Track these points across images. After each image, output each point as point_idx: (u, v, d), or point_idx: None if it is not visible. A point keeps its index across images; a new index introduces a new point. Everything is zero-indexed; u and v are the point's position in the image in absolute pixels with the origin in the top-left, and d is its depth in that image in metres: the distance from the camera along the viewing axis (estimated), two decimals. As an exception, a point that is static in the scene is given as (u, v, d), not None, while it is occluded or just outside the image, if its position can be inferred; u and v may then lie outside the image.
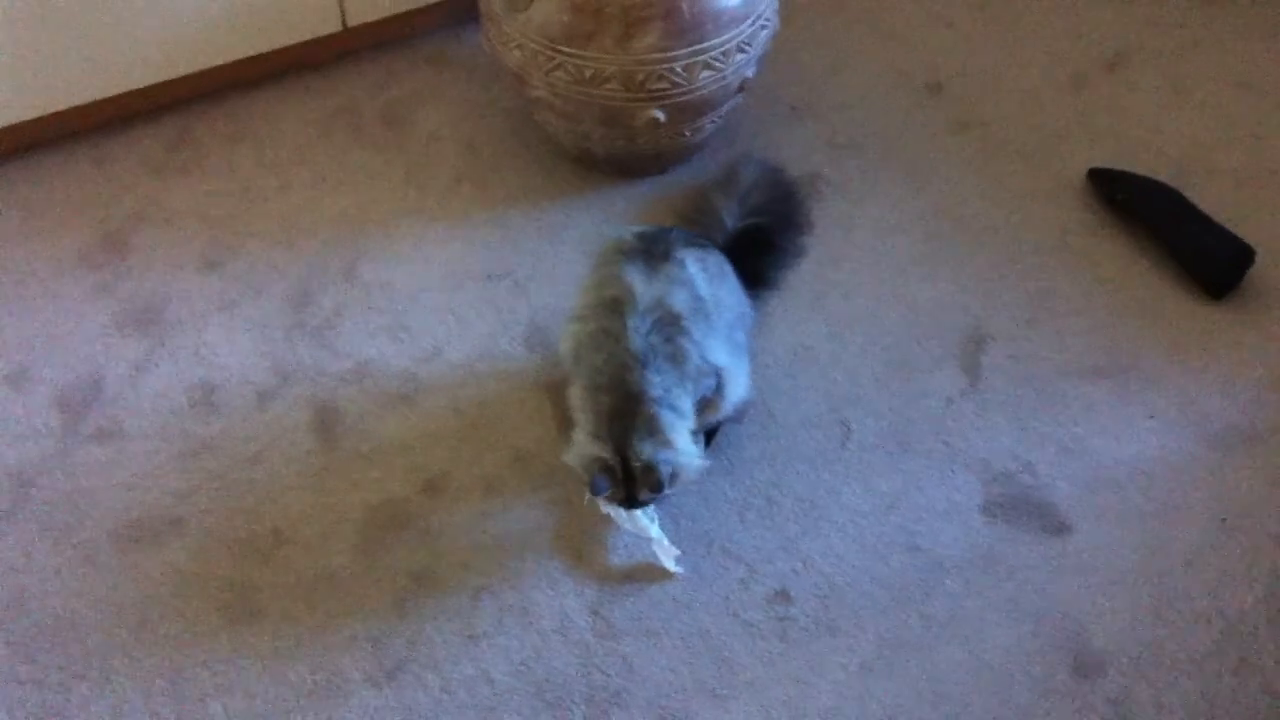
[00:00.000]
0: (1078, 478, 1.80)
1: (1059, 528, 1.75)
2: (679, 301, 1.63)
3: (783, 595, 1.69)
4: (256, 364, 1.93)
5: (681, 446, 1.61)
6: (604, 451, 1.59)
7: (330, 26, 2.24)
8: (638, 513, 1.70)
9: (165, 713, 1.58)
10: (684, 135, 2.03)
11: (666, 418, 1.59)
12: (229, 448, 1.84)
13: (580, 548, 1.74)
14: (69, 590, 1.69)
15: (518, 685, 1.61)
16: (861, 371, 1.92)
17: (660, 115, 1.95)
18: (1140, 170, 2.11)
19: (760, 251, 1.88)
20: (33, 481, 1.79)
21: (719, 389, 1.69)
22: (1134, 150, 2.18)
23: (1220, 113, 2.26)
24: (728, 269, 1.77)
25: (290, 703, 1.59)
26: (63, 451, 1.83)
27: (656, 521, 1.72)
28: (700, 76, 1.92)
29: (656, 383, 1.59)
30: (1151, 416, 1.86)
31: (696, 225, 1.86)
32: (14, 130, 2.13)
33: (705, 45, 1.90)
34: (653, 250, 1.68)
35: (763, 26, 1.98)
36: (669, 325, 1.62)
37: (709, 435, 1.82)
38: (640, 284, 1.63)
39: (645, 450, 1.58)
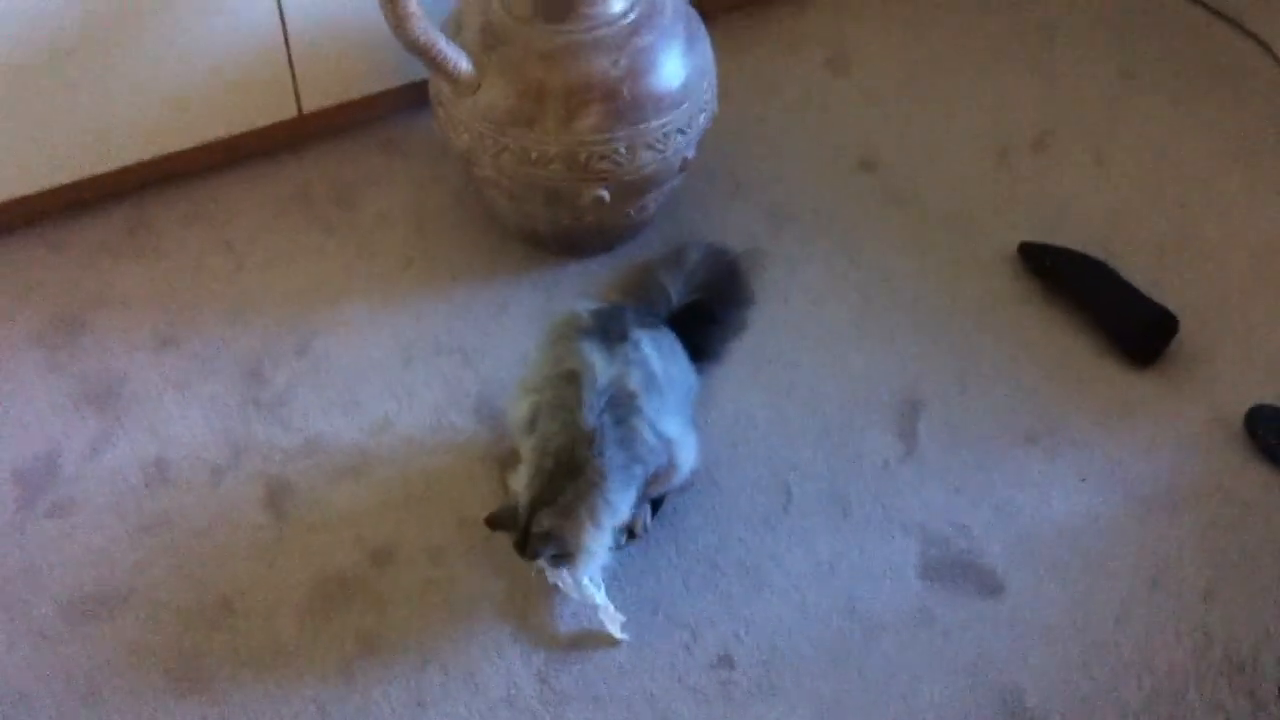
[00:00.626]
0: (1011, 539, 1.86)
1: (993, 588, 1.80)
2: (634, 381, 1.69)
3: (726, 659, 1.73)
4: (210, 440, 1.96)
5: (585, 540, 1.64)
6: (521, 501, 1.64)
7: (286, 112, 2.31)
8: (584, 580, 1.74)
9: (115, 784, 1.60)
10: (628, 214, 2.10)
11: (592, 503, 1.64)
12: (181, 522, 1.87)
13: (527, 615, 1.77)
14: (21, 663, 1.72)
15: (465, 751, 1.64)
16: (801, 438, 1.97)
17: (605, 194, 2.01)
18: (1066, 242, 2.19)
19: (704, 325, 1.95)
20: (-14, 558, 1.82)
21: (670, 461, 1.75)
22: (1060, 222, 2.27)
23: (1143, 185, 2.35)
24: (678, 346, 1.84)
25: (239, 772, 1.61)
26: (17, 527, 1.86)
27: (603, 589, 1.76)
28: (642, 157, 2.00)
29: (597, 465, 1.64)
30: (1082, 479, 1.92)
31: (643, 301, 1.92)
32: (-29, 216, 2.18)
33: (645, 127, 1.98)
34: (609, 329, 1.74)
35: (701, 110, 2.05)
36: (623, 405, 1.68)
37: (655, 504, 1.86)
38: (600, 362, 1.69)
39: (545, 523, 1.62)
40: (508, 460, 1.83)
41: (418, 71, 2.32)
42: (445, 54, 1.93)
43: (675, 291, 1.93)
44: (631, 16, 1.98)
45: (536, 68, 1.95)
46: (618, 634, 1.74)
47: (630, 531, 1.82)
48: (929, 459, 1.95)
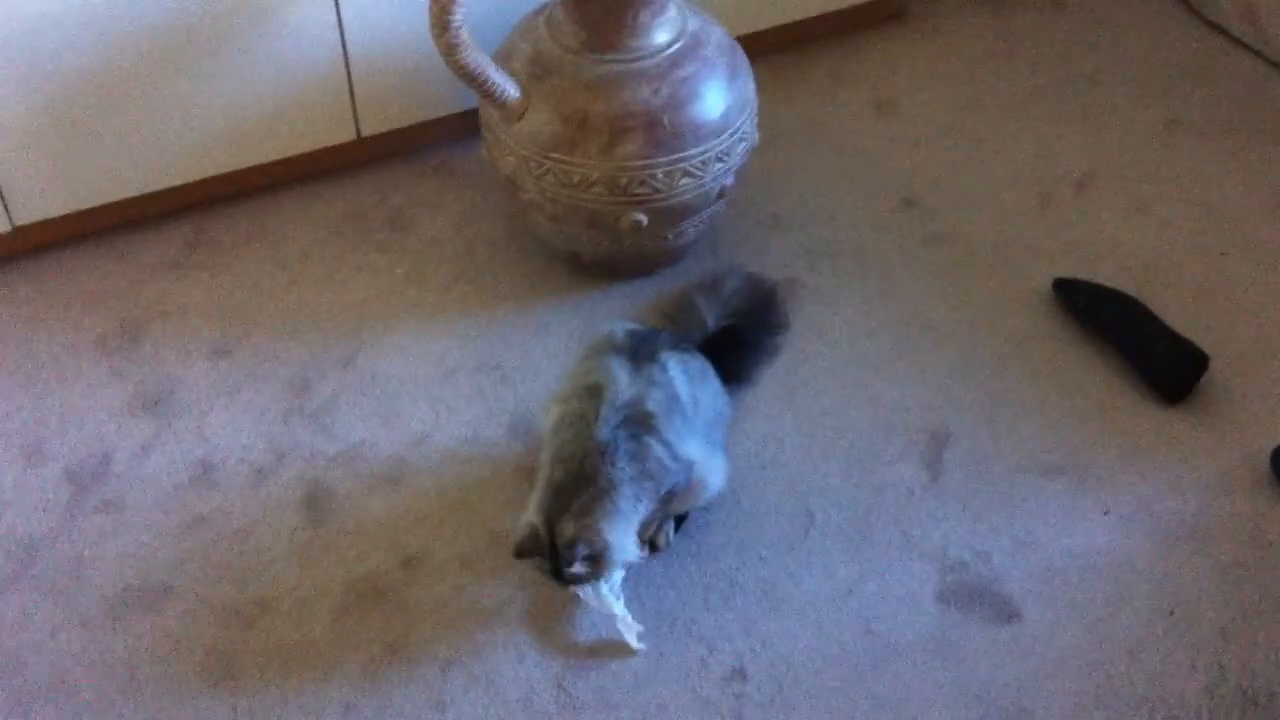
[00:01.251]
0: (1030, 568, 1.87)
1: (1009, 616, 1.82)
2: (654, 402, 1.74)
3: (739, 673, 1.76)
4: (255, 444, 2.04)
5: (611, 539, 1.68)
6: (537, 520, 1.69)
7: (345, 136, 2.40)
8: (604, 591, 1.78)
9: (144, 765, 1.66)
10: (666, 238, 2.16)
11: (605, 508, 1.68)
12: (223, 522, 1.94)
13: (548, 623, 1.82)
14: (64, 650, 1.79)
15: (480, 749, 1.68)
16: (827, 464, 2.01)
17: (642, 218, 2.07)
18: (1103, 283, 2.21)
19: (738, 349, 1.99)
20: (38, 549, 1.90)
21: (690, 481, 1.79)
22: (1098, 264, 2.29)
23: (1184, 230, 2.37)
24: (709, 372, 1.88)
25: (262, 760, 1.67)
26: (68, 521, 1.94)
27: (621, 599, 1.80)
28: (680, 183, 2.06)
29: (609, 475, 1.69)
30: (1105, 512, 1.93)
31: (680, 324, 1.97)
32: (44, 226, 2.28)
33: (684, 154, 2.04)
34: (640, 350, 1.79)
35: (740, 139, 2.11)
36: (638, 423, 1.72)
37: (679, 521, 1.91)
38: (623, 379, 1.75)
39: (569, 529, 1.67)
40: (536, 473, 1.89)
41: (470, 100, 2.41)
42: (493, 81, 2.01)
43: (712, 316, 1.98)
44: (675, 48, 2.05)
45: (581, 96, 2.02)
46: (634, 644, 1.78)
47: (653, 545, 1.86)
48: (952, 488, 1.97)
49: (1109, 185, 2.46)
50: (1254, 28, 2.71)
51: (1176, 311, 2.20)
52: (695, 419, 1.80)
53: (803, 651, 1.78)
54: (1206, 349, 2.10)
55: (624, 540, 1.69)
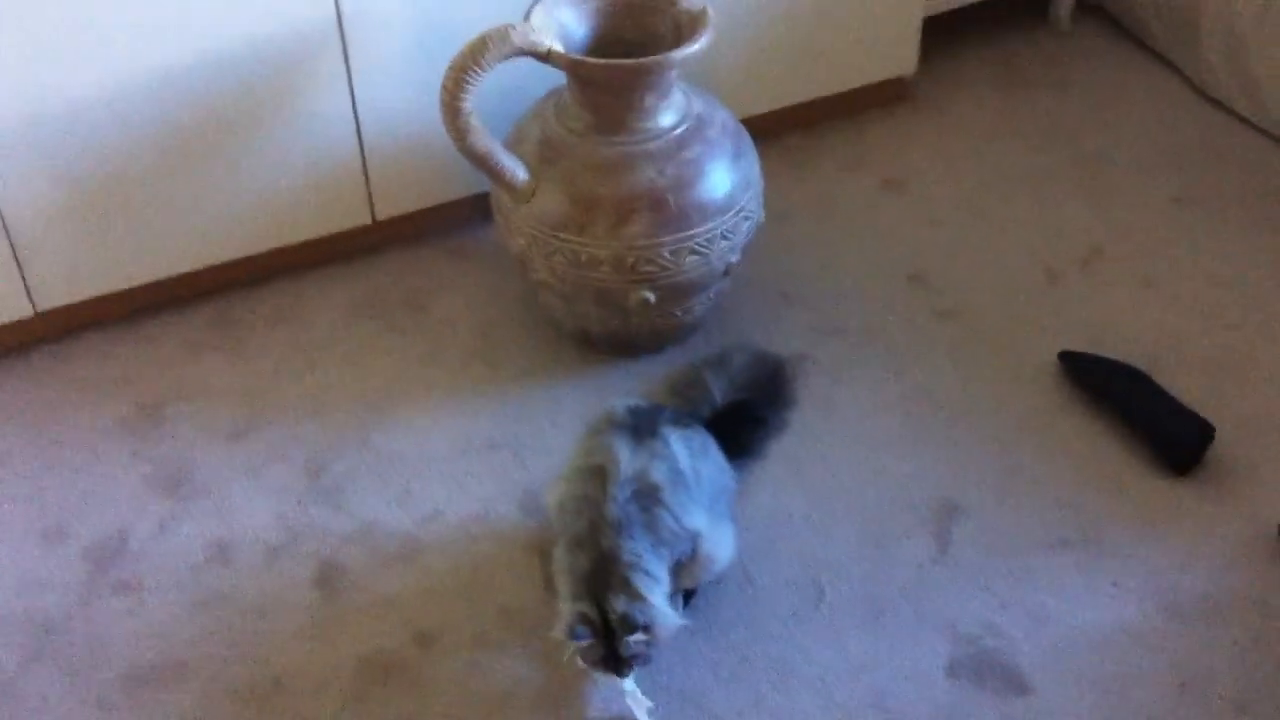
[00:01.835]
0: (1041, 642, 1.87)
1: (1020, 689, 1.81)
2: (659, 474, 1.76)
3: (750, 749, 1.76)
4: (270, 524, 2.07)
5: (656, 604, 1.71)
6: (584, 607, 1.70)
7: (360, 220, 2.45)
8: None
9: (155, 844, 1.66)
10: (675, 315, 2.19)
11: (640, 579, 1.70)
12: (238, 600, 1.96)
13: (560, 700, 1.82)
14: (79, 729, 1.81)
15: (489, 827, 1.68)
16: (837, 538, 2.02)
17: (650, 296, 2.11)
18: (1112, 356, 2.23)
19: (746, 424, 2.01)
20: (55, 629, 1.92)
21: (695, 552, 1.81)
22: (1106, 338, 2.31)
23: (1192, 306, 2.38)
24: (711, 446, 1.90)
25: (273, 838, 1.67)
26: (85, 601, 1.96)
27: (632, 675, 1.81)
28: (686, 261, 2.09)
29: (630, 548, 1.71)
30: (1115, 584, 1.93)
31: (688, 399, 1.99)
32: (66, 311, 2.33)
33: (690, 233, 2.08)
34: (641, 426, 1.82)
35: (745, 217, 2.15)
36: (647, 496, 1.75)
37: (687, 596, 1.91)
38: (625, 456, 1.77)
39: (620, 604, 1.68)
40: (548, 550, 1.90)
41: (482, 183, 2.45)
42: (503, 164, 2.06)
43: (719, 391, 2.00)
44: (680, 130, 2.10)
45: (589, 178, 2.07)
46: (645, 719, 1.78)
47: (662, 620, 1.87)
48: (962, 562, 1.98)
49: (1116, 261, 2.49)
50: (1257, 104, 2.75)
51: (1185, 384, 2.21)
52: (698, 491, 1.81)
53: (813, 726, 1.78)
54: (1215, 421, 2.11)
55: (666, 606, 1.71)
